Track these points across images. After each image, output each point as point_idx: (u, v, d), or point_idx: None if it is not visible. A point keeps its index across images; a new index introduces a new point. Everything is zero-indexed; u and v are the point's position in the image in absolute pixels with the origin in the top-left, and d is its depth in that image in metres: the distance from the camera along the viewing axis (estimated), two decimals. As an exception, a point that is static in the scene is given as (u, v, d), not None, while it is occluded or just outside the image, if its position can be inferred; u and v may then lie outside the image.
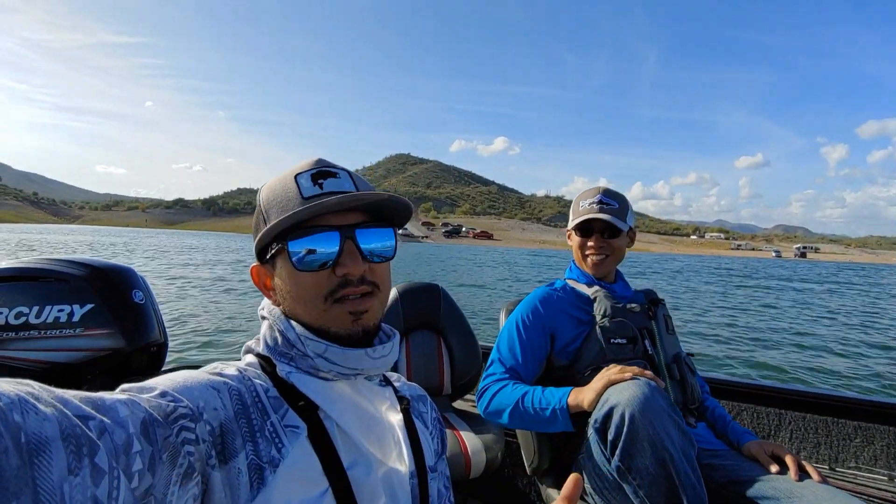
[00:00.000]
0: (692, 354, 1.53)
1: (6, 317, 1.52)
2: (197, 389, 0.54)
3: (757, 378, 6.28)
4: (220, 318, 9.35)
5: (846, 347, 9.67)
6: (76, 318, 1.58)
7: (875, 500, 1.46)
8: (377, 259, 0.68)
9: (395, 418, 0.72)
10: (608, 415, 1.07)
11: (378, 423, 0.69)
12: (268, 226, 0.65)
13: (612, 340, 1.38)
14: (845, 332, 11.88)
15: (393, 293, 2.11)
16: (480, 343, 2.10)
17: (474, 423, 1.84)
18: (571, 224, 1.55)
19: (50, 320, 1.55)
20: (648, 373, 1.14)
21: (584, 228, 1.51)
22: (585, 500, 1.36)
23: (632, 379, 1.10)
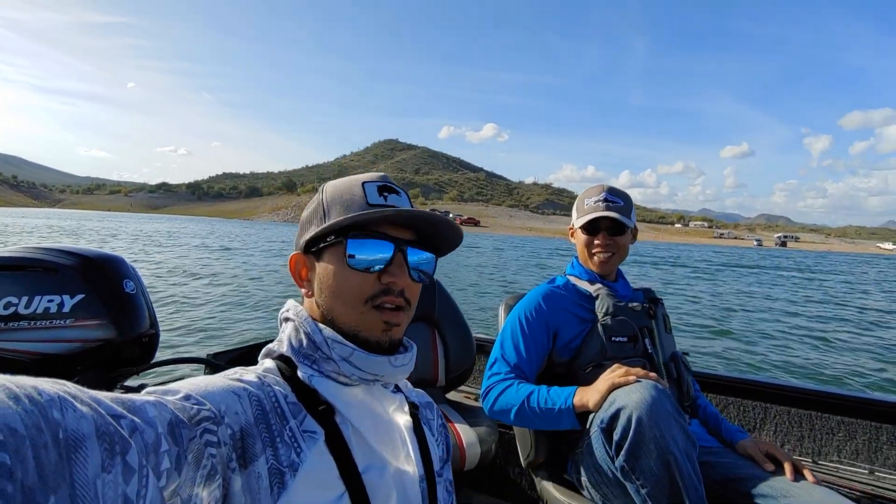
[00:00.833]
0: (686, 353, 1.56)
1: (-5, 307, 1.49)
2: (219, 394, 0.56)
3: (742, 372, 6.42)
4: (211, 307, 9.28)
5: (805, 337, 9.92)
6: (66, 309, 1.56)
7: (856, 493, 1.51)
8: (418, 278, 0.72)
9: (406, 424, 0.74)
10: (615, 416, 1.09)
11: (391, 427, 0.72)
12: (328, 219, 0.69)
13: (613, 338, 1.40)
14: (803, 321, 12.17)
15: None
16: (475, 335, 2.11)
17: (468, 415, 1.85)
18: (578, 222, 1.54)
19: (40, 311, 1.52)
20: (653, 374, 1.16)
21: (591, 227, 1.51)
22: (582, 494, 1.39)
23: (637, 381, 1.12)
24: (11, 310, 1.50)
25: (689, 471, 1.03)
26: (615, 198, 1.51)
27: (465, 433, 1.71)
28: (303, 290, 0.74)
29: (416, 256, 0.71)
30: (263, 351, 0.72)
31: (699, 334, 9.67)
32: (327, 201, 0.72)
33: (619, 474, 1.12)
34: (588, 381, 1.29)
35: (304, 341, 0.68)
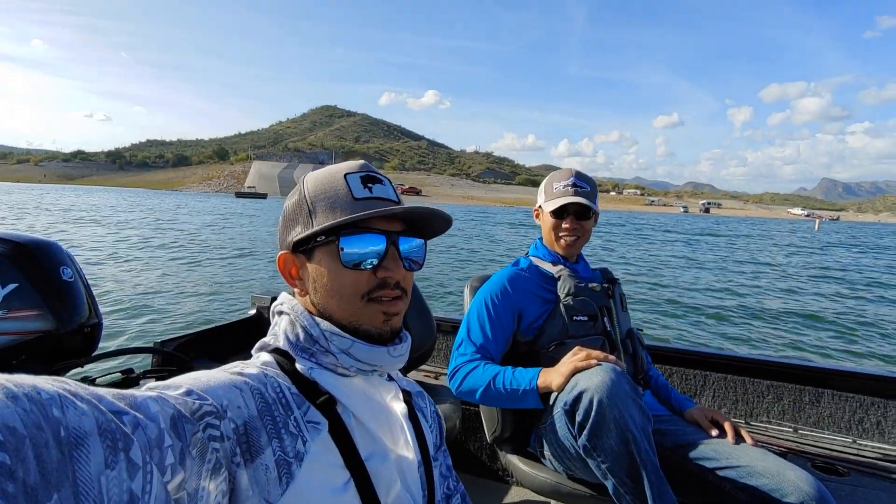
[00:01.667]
0: (640, 329, 1.67)
1: (-85, 301, 1.36)
2: (220, 388, 0.56)
3: (683, 343, 6.87)
4: (155, 292, 8.79)
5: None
6: (-3, 300, 1.44)
7: (783, 448, 1.69)
8: (410, 267, 0.72)
9: (402, 411, 0.76)
10: (577, 398, 1.16)
11: (389, 415, 0.73)
12: (314, 217, 0.68)
13: (574, 317, 1.47)
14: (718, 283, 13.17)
15: None
16: (434, 315, 2.14)
17: (431, 393, 1.89)
18: (547, 206, 1.58)
19: (-33, 303, 1.40)
20: (612, 357, 1.23)
21: (559, 211, 1.55)
22: (544, 465, 1.47)
23: (597, 364, 1.19)
24: (-66, 303, 1.37)
25: (645, 446, 1.12)
26: (583, 183, 1.56)
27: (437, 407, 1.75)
28: (295, 289, 0.73)
29: (407, 245, 0.71)
30: (258, 345, 0.72)
31: (644, 307, 10.23)
32: (310, 197, 0.70)
33: (581, 452, 1.20)
34: (551, 359, 1.35)
35: (301, 335, 0.69)
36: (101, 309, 1.73)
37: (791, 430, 1.89)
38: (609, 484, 1.17)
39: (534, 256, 1.65)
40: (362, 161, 0.75)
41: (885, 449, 1.71)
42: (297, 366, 0.67)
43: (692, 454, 1.27)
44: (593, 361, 1.20)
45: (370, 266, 0.67)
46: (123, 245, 15.54)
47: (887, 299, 11.94)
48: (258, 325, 2.34)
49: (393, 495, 0.67)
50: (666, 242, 29.44)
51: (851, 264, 21.02)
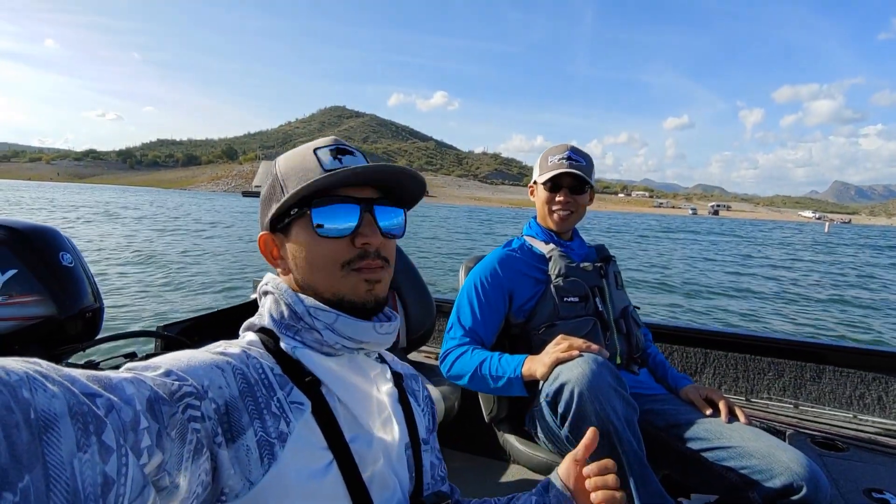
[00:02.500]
0: (637, 307, 1.63)
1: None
2: (201, 368, 0.55)
3: (685, 321, 6.84)
4: (160, 280, 8.87)
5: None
6: (-2, 285, 1.46)
7: (783, 425, 1.68)
8: (389, 235, 0.71)
9: (391, 393, 0.75)
10: (559, 391, 1.16)
11: (376, 397, 0.72)
12: (286, 193, 0.67)
13: (565, 299, 1.45)
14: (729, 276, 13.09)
15: None
16: (434, 297, 2.14)
17: (431, 374, 1.90)
18: (541, 178, 1.55)
19: (-32, 288, 1.42)
20: (595, 346, 1.21)
21: (553, 184, 1.53)
22: (538, 444, 1.47)
23: (580, 356, 1.17)
24: (-64, 287, 1.39)
25: (628, 437, 1.11)
26: (578, 157, 1.54)
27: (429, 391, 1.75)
28: (278, 270, 0.73)
29: (385, 213, 0.70)
30: (245, 325, 0.72)
31: (647, 289, 10.19)
32: (282, 175, 0.70)
33: (565, 441, 1.20)
34: (542, 341, 1.34)
35: (286, 312, 0.68)
36: (104, 294, 1.74)
37: (792, 406, 1.88)
38: None
39: (527, 236, 1.63)
40: (333, 136, 0.73)
41: (885, 424, 1.71)
42: (282, 345, 0.66)
43: (684, 434, 1.26)
44: (575, 352, 1.19)
45: (347, 234, 0.66)
46: (130, 235, 15.68)
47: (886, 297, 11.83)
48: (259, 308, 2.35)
49: (377, 476, 0.66)
50: (670, 241, 29.30)
51: (858, 264, 20.84)
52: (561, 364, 1.19)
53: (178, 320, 2.00)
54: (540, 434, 1.41)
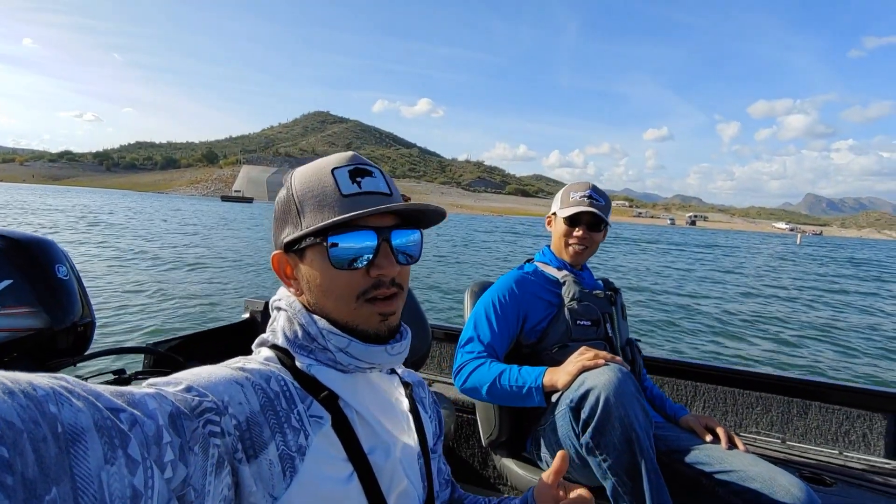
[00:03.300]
0: (639, 340, 1.72)
1: None
2: (221, 384, 0.56)
3: (675, 355, 6.96)
4: (148, 292, 8.69)
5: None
6: (-8, 297, 1.44)
7: (771, 459, 1.72)
8: (405, 261, 0.69)
9: (403, 404, 0.76)
10: (584, 396, 1.19)
11: (390, 409, 0.73)
12: (302, 217, 0.66)
13: (578, 322, 1.51)
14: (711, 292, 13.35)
15: None
16: (430, 322, 2.16)
17: None
18: (563, 213, 1.62)
19: (-39, 299, 1.40)
20: (619, 358, 1.26)
21: (573, 219, 1.60)
22: (540, 468, 1.49)
23: (605, 364, 1.22)
24: (-71, 298, 1.37)
25: (646, 445, 1.15)
26: (599, 197, 1.61)
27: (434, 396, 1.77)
28: (291, 289, 0.71)
29: (401, 239, 0.68)
30: (258, 340, 0.72)
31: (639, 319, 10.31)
32: (298, 196, 0.67)
33: (583, 450, 1.22)
34: (554, 360, 1.39)
35: (300, 332, 0.68)
36: (95, 308, 1.73)
37: (779, 441, 1.92)
38: (608, 484, 1.19)
39: (540, 262, 1.69)
40: (352, 153, 0.72)
41: (870, 460, 1.75)
42: (297, 363, 0.66)
43: (687, 459, 1.29)
44: (601, 361, 1.23)
45: (363, 265, 0.65)
46: (118, 247, 15.34)
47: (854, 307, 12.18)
48: (251, 329, 2.34)
49: (395, 488, 0.67)
50: (645, 252, 29.74)
51: (827, 275, 21.43)
52: (587, 371, 1.23)
53: (169, 338, 2.00)
54: (544, 455, 1.44)
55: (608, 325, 1.55)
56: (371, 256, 0.65)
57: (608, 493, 1.20)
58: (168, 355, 1.87)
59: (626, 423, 1.13)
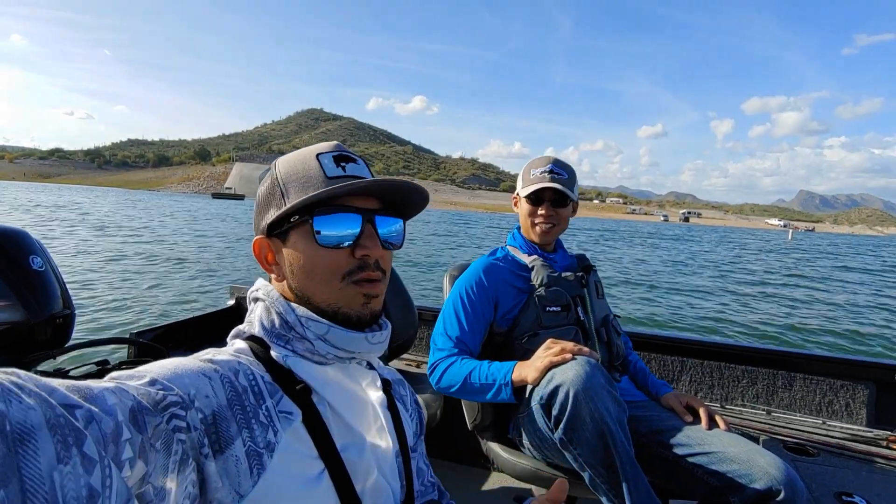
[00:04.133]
0: (618, 316, 1.66)
1: None
2: (188, 377, 0.54)
3: (662, 330, 6.98)
4: (131, 285, 8.61)
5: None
6: (-37, 290, 1.39)
7: (757, 431, 1.74)
8: (389, 246, 0.70)
9: (380, 400, 0.74)
10: (553, 393, 1.16)
11: (367, 405, 0.72)
12: (287, 198, 0.66)
13: (547, 308, 1.46)
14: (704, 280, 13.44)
15: None
16: (416, 304, 2.14)
17: (413, 382, 1.88)
18: (523, 192, 1.57)
19: (-69, 293, 1.36)
20: (586, 349, 1.22)
21: (535, 197, 1.54)
22: (523, 452, 1.47)
23: (572, 359, 1.19)
24: None
25: (620, 437, 1.13)
26: (560, 170, 1.55)
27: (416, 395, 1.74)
28: (272, 275, 0.71)
29: (384, 223, 0.69)
30: (233, 332, 0.70)
31: (624, 296, 10.37)
32: (282, 179, 0.68)
33: (558, 445, 1.20)
34: (525, 350, 1.36)
35: (277, 321, 0.67)
36: (76, 300, 1.69)
37: (765, 412, 1.94)
38: (586, 475, 1.18)
39: (510, 246, 1.64)
40: (335, 141, 0.72)
41: (852, 429, 1.77)
42: (272, 353, 0.65)
43: (666, 440, 1.28)
44: (568, 356, 1.20)
45: (347, 245, 0.65)
46: (101, 238, 15.21)
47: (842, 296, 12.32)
48: (237, 315, 2.31)
49: (369, 486, 0.66)
50: (633, 246, 29.90)
51: (816, 269, 21.74)
52: (555, 368, 1.20)
53: (152, 326, 1.96)
54: (525, 442, 1.42)
55: (579, 309, 1.51)
56: (356, 236, 0.65)
57: (587, 482, 1.19)
58: (151, 345, 1.83)
59: (597, 417, 1.11)
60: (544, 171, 1.53)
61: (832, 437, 1.69)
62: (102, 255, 12.15)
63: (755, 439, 1.64)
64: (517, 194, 1.62)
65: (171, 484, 0.47)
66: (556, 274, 1.52)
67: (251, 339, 0.67)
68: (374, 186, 0.66)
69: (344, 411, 0.66)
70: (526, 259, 1.57)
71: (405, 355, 2.37)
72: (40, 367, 1.53)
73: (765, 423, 1.80)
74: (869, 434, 1.71)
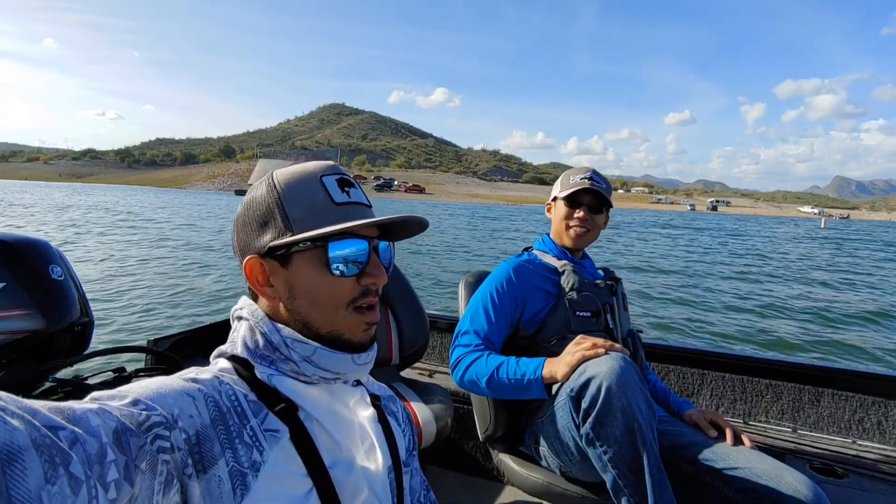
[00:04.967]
0: (640, 331, 1.65)
1: None
2: (171, 396, 0.53)
3: (681, 342, 6.83)
4: (148, 292, 8.81)
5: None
6: (-15, 299, 1.44)
7: (781, 449, 1.66)
8: (387, 271, 0.71)
9: (370, 417, 0.74)
10: (585, 385, 1.14)
11: (354, 422, 0.71)
12: (291, 222, 0.65)
13: (577, 312, 1.46)
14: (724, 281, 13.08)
15: None
16: (427, 312, 2.12)
17: (423, 392, 1.88)
18: (562, 194, 1.58)
19: (-46, 302, 1.40)
20: (618, 346, 1.21)
21: (574, 200, 1.56)
22: (539, 465, 1.45)
23: (605, 353, 1.17)
24: (-79, 302, 1.37)
25: (649, 437, 1.10)
26: (599, 179, 1.58)
27: (421, 410, 1.74)
28: (266, 297, 0.69)
29: (384, 250, 0.71)
30: (215, 352, 0.69)
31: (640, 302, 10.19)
32: (284, 199, 0.66)
33: (582, 441, 1.18)
34: (552, 353, 1.34)
35: (261, 342, 0.66)
36: (99, 306, 1.73)
37: (790, 429, 1.87)
38: (608, 476, 1.15)
39: (539, 251, 1.64)
40: (330, 162, 0.72)
41: (885, 450, 1.68)
42: (256, 373, 0.64)
43: (689, 455, 1.25)
44: (601, 350, 1.18)
45: (355, 273, 0.66)
46: (118, 244, 15.58)
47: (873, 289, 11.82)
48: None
49: None
50: (659, 237, 29.33)
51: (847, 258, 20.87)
52: (587, 362, 1.18)
53: (169, 335, 1.99)
54: (543, 449, 1.40)
55: (609, 316, 1.50)
56: (363, 265, 0.66)
57: (608, 486, 1.15)
58: (167, 354, 1.86)
59: (629, 413, 1.08)
60: (584, 178, 1.56)
61: (863, 457, 1.61)
62: (127, 259, 12.44)
63: (780, 458, 1.58)
64: (553, 199, 1.64)
65: None
66: (586, 280, 1.53)
67: (233, 358, 0.67)
68: (395, 221, 0.66)
69: (331, 429, 0.66)
70: (556, 263, 1.57)
71: (418, 364, 2.35)
72: (58, 375, 1.57)
73: (790, 441, 1.73)
74: None
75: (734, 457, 1.20)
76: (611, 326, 1.50)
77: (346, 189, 0.68)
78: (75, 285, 1.65)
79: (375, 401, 0.78)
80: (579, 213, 1.56)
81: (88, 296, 1.72)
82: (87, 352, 1.64)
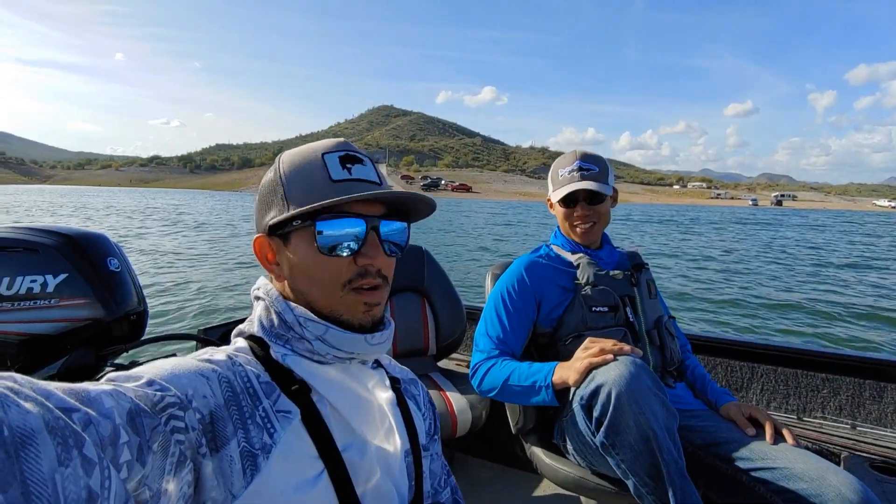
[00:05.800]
0: (672, 317, 1.54)
1: (-24, 289, 1.48)
2: (185, 377, 0.54)
3: (730, 333, 6.51)
4: (202, 284, 9.27)
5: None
6: (50, 289, 1.54)
7: (838, 447, 1.55)
8: (391, 251, 0.69)
9: (389, 399, 0.73)
10: (594, 393, 1.09)
11: (371, 404, 0.70)
12: (289, 199, 0.65)
13: (593, 308, 1.39)
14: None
15: None
16: (464, 303, 2.12)
17: (459, 382, 1.88)
18: (555, 196, 1.49)
19: (23, 291, 1.51)
20: (627, 347, 1.14)
21: (568, 199, 1.47)
22: (567, 459, 1.42)
23: (614, 359, 1.11)
24: (-6, 291, 1.49)
25: (668, 445, 1.04)
26: (589, 165, 1.46)
27: (457, 400, 1.74)
28: (273, 275, 0.70)
29: (388, 228, 0.68)
30: (235, 331, 0.70)
31: (683, 294, 9.80)
32: (285, 177, 0.66)
33: (599, 449, 1.14)
34: (568, 353, 1.29)
35: (276, 321, 0.66)
36: (149, 299, 1.83)
37: (849, 427, 1.74)
38: (630, 483, 1.10)
39: (553, 244, 1.57)
40: (341, 139, 0.71)
41: None
42: (272, 352, 0.65)
43: (724, 453, 1.18)
44: (609, 356, 1.12)
45: (349, 252, 0.64)
46: (173, 238, 16.39)
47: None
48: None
49: (371, 488, 0.64)
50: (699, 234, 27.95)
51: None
52: (595, 370, 1.13)
53: (219, 324, 2.08)
54: (569, 447, 1.36)
55: (628, 310, 1.41)
56: (358, 244, 0.65)
57: (631, 491, 1.11)
58: (214, 342, 1.95)
59: (642, 422, 1.03)
60: (572, 170, 1.45)
61: None
62: (185, 254, 13.12)
63: (836, 456, 1.47)
64: (549, 198, 1.54)
65: (167, 485, 0.47)
66: (602, 272, 1.44)
67: (251, 337, 0.67)
68: (379, 197, 0.64)
69: (345, 411, 0.65)
70: (571, 257, 1.49)
71: (454, 354, 2.35)
72: (117, 360, 1.67)
73: (848, 439, 1.61)
74: None
75: (773, 455, 1.12)
76: (631, 320, 1.41)
77: (349, 166, 0.66)
78: (131, 276, 1.74)
79: (395, 384, 0.77)
80: (578, 212, 1.47)
81: (143, 288, 1.82)
82: (142, 338, 1.74)
